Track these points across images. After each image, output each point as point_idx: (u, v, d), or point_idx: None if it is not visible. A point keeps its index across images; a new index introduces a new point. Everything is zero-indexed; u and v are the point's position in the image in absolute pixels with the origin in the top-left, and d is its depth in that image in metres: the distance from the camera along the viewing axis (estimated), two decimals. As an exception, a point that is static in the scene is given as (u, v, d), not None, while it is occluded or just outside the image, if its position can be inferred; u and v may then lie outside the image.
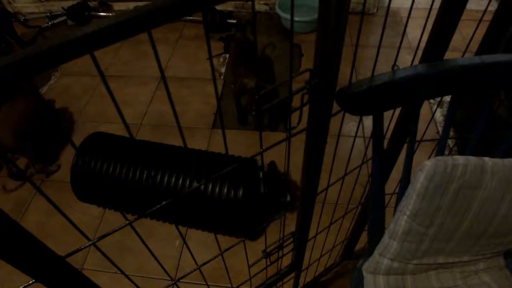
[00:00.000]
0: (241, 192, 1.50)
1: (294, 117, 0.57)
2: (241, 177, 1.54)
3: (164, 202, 0.53)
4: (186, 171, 1.55)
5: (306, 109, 0.58)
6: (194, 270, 0.74)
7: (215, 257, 0.76)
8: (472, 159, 0.73)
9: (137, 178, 1.57)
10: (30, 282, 0.46)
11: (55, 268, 0.47)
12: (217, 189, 1.51)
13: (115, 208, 1.75)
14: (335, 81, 0.52)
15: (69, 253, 0.46)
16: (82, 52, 0.32)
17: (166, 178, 1.54)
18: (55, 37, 0.30)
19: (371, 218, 0.92)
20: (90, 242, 0.48)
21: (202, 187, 1.51)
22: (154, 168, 1.57)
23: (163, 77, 0.40)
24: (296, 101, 0.54)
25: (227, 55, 2.67)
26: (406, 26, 0.70)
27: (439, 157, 0.71)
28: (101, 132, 1.78)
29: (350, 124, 2.15)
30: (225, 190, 1.51)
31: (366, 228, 1.23)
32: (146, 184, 1.57)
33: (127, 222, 0.51)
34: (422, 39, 0.68)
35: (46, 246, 0.44)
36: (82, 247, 0.47)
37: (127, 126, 0.41)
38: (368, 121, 2.14)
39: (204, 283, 1.53)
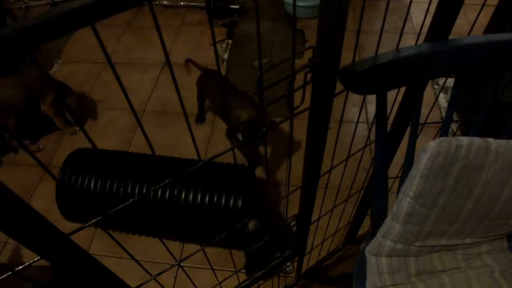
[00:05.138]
0: (240, 203, 1.39)
1: (297, 99, 0.57)
2: (239, 186, 1.43)
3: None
4: (179, 182, 1.45)
5: (309, 93, 0.57)
6: (198, 251, 0.75)
7: (219, 238, 0.76)
8: (476, 139, 0.72)
9: (128, 194, 1.47)
10: (36, 259, 0.47)
11: (60, 246, 0.47)
12: (215, 200, 1.41)
13: (107, 227, 1.60)
14: (338, 59, 0.51)
15: (73, 230, 0.47)
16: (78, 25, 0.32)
17: (159, 192, 1.45)
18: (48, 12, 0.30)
19: (374, 200, 0.92)
20: (94, 220, 0.49)
21: (199, 198, 1.40)
22: (144, 182, 1.48)
23: (168, 63, 0.39)
24: (299, 82, 0.53)
25: (230, 41, 2.65)
26: (408, 10, 0.70)
27: (442, 138, 0.71)
28: (83, 149, 1.69)
29: (353, 110, 2.14)
30: (224, 201, 1.40)
31: (369, 212, 1.23)
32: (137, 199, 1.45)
33: (131, 200, 0.51)
34: (426, 23, 0.68)
35: (51, 223, 0.44)
36: (86, 224, 0.48)
37: (135, 113, 0.41)
38: (371, 107, 2.13)
39: (209, 267, 1.55)
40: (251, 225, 1.35)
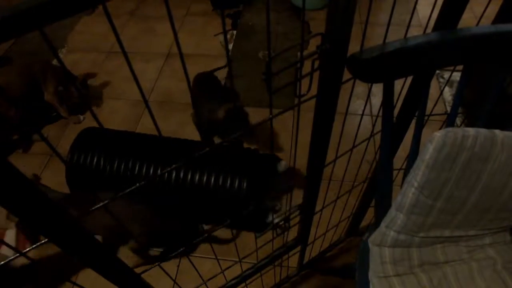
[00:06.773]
0: (245, 184, 1.43)
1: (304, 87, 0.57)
2: (245, 168, 1.47)
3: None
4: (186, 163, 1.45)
5: (315, 82, 0.57)
6: (203, 237, 0.75)
7: (223, 225, 0.77)
8: (482, 131, 0.72)
9: (138, 174, 1.50)
10: (43, 241, 0.47)
11: (68, 228, 0.48)
12: (220, 182, 1.44)
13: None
14: (347, 46, 0.51)
15: (83, 213, 0.47)
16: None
17: (166, 173, 1.46)
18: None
19: (378, 190, 0.92)
20: (103, 203, 0.49)
21: (205, 179, 1.44)
22: (153, 162, 1.51)
23: (180, 53, 0.39)
24: (306, 71, 0.53)
25: (235, 32, 2.64)
26: (416, 3, 0.69)
27: (449, 128, 0.70)
28: (92, 128, 1.71)
29: (358, 102, 2.14)
30: (229, 183, 1.44)
31: (372, 204, 1.23)
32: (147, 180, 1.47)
33: (135, 185, 0.51)
34: (432, 17, 0.67)
35: (60, 207, 0.44)
36: (94, 207, 0.48)
37: (145, 101, 0.41)
38: (375, 99, 2.12)
39: (212, 257, 1.56)
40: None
